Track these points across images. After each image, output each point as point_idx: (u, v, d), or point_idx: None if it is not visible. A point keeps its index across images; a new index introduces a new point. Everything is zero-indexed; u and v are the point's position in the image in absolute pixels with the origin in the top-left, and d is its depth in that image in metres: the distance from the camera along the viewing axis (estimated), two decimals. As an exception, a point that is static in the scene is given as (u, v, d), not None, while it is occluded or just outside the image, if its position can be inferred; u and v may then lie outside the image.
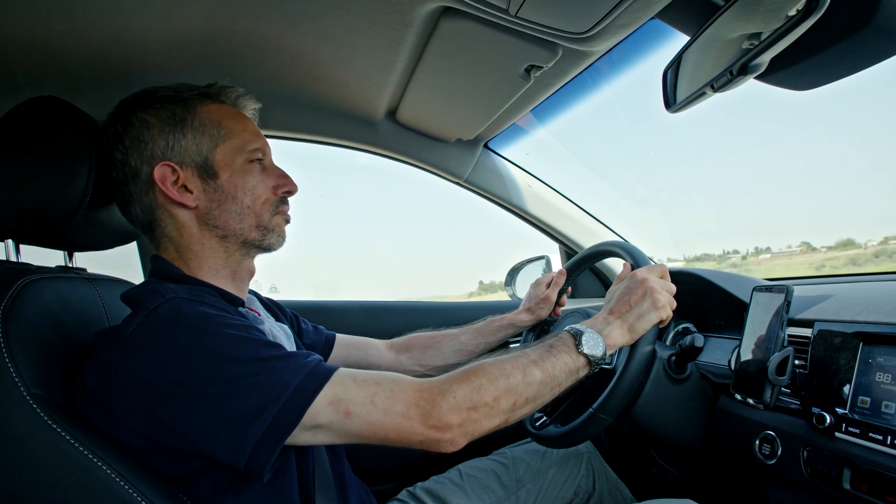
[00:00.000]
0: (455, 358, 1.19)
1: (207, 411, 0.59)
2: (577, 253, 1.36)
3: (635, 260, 0.93)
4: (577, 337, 0.76)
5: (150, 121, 0.75)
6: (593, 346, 0.75)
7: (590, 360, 0.75)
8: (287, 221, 0.84)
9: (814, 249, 2.38)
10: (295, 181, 0.84)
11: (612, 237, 1.69)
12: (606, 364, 0.76)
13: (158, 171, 0.74)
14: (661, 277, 0.85)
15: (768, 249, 2.53)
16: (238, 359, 0.61)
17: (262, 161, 0.81)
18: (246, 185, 0.78)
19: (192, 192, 0.76)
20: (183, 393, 0.60)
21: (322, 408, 0.61)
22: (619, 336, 0.79)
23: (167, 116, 0.75)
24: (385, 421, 0.62)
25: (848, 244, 2.17)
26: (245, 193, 0.78)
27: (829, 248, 2.29)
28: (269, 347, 0.64)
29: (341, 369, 0.65)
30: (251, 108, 0.86)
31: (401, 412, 0.62)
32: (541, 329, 1.22)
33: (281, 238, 0.83)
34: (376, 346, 1.18)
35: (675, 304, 0.83)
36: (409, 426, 0.63)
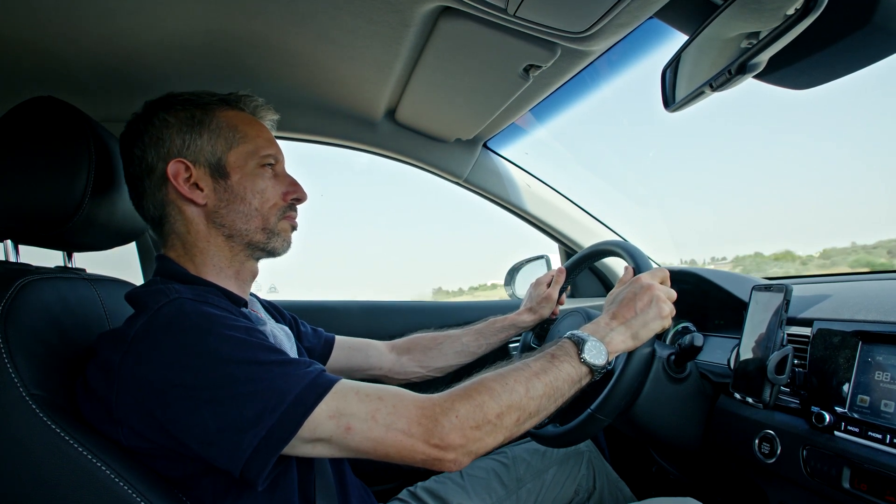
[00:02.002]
0: (457, 359, 1.20)
1: (204, 416, 0.59)
2: (576, 252, 1.36)
3: (637, 262, 0.92)
4: (579, 345, 0.75)
5: (170, 120, 0.78)
6: (596, 354, 0.74)
7: (592, 369, 0.74)
8: (294, 228, 0.85)
9: (758, 260, 2.41)
10: (305, 190, 0.85)
11: (611, 237, 1.69)
12: (608, 366, 0.76)
13: (172, 167, 0.76)
14: (662, 282, 0.85)
15: (724, 259, 2.54)
16: (238, 361, 0.61)
17: (274, 167, 0.83)
18: (255, 188, 0.80)
19: (202, 190, 0.78)
20: (182, 395, 0.60)
21: (323, 421, 0.61)
22: (622, 343, 0.78)
23: (186, 118, 0.78)
24: (386, 437, 0.62)
25: (786, 255, 2.19)
26: (254, 196, 0.79)
27: (776, 258, 2.31)
28: (269, 352, 0.64)
29: (343, 381, 0.64)
30: (269, 118, 0.88)
31: (402, 429, 0.62)
32: (541, 328, 1.22)
33: (286, 243, 0.84)
34: (377, 348, 1.17)
35: (674, 313, 0.82)
36: (411, 444, 0.62)
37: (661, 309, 0.80)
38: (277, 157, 0.84)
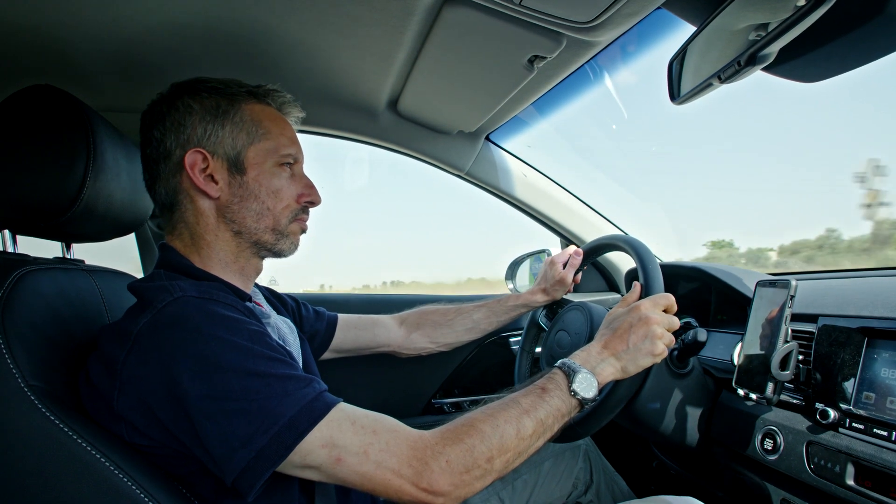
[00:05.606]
0: (468, 336, 1.21)
1: (198, 426, 0.59)
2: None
3: (648, 280, 0.88)
4: (570, 376, 0.74)
5: (195, 107, 0.76)
6: (586, 387, 0.74)
7: (581, 402, 0.74)
8: (303, 231, 0.85)
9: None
10: (320, 194, 0.85)
11: (614, 231, 1.68)
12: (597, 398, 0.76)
13: (189, 157, 0.75)
14: (667, 310, 0.83)
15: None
16: (237, 371, 0.60)
17: (292, 167, 0.82)
18: (271, 187, 0.79)
19: (217, 183, 0.77)
20: (180, 401, 0.59)
21: (314, 449, 0.60)
22: (611, 374, 0.78)
23: (211, 106, 0.77)
24: (375, 475, 0.61)
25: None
26: (268, 195, 0.79)
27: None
28: (270, 362, 0.63)
29: (340, 406, 0.63)
30: (295, 115, 0.87)
31: (392, 469, 0.61)
32: (551, 309, 1.22)
33: (293, 246, 0.84)
34: (384, 325, 1.18)
35: (672, 343, 0.81)
36: (399, 485, 0.61)
37: (653, 347, 0.78)
38: (297, 157, 0.83)
